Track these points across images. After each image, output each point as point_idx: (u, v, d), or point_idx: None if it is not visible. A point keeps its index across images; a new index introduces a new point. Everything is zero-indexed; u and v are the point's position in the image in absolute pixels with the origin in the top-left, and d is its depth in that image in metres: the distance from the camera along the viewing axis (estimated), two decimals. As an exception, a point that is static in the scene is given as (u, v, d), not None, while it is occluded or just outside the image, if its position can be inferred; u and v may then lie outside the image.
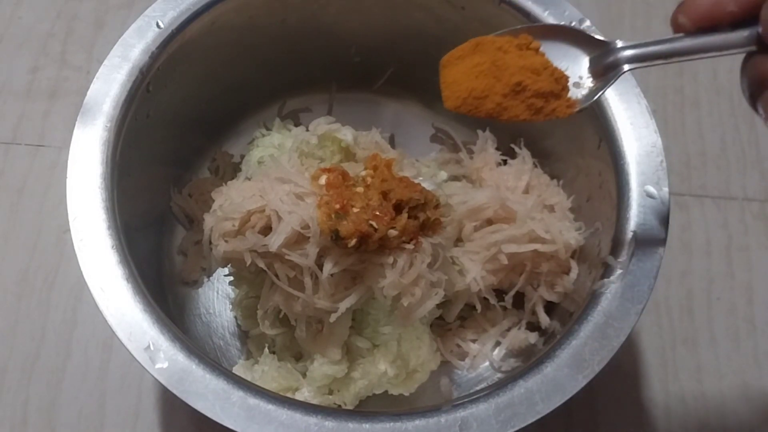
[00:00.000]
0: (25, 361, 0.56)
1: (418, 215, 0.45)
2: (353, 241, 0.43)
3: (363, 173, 0.47)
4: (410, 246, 0.44)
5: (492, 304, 0.52)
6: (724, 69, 0.70)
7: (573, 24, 0.51)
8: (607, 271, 0.45)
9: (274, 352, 0.51)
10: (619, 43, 0.39)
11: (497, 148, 0.58)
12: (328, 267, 0.44)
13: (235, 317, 0.55)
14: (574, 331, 0.43)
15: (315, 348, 0.48)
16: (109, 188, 0.45)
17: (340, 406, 0.49)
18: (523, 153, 0.56)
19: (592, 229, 0.50)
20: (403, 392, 0.50)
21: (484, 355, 0.54)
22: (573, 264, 0.50)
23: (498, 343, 0.54)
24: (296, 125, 0.60)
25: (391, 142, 0.62)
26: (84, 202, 0.44)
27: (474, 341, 0.55)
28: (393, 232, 0.44)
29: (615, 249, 0.45)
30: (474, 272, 0.51)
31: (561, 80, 0.41)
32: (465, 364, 0.54)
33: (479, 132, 0.59)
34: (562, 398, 0.40)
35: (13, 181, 0.63)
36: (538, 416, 0.40)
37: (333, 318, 0.45)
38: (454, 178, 0.58)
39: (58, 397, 0.55)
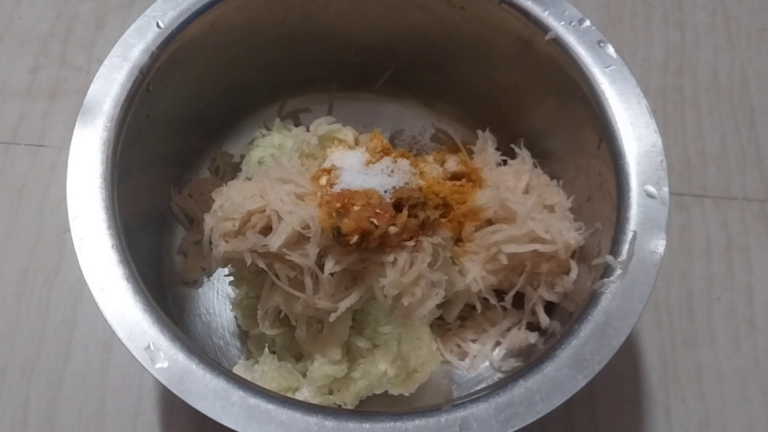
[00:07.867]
0: (25, 361, 0.56)
1: (418, 214, 0.45)
2: (355, 238, 0.43)
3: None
4: (411, 243, 0.44)
5: (492, 304, 0.53)
6: (724, 69, 0.69)
7: (573, 24, 0.51)
8: (607, 271, 0.45)
9: (274, 352, 0.51)
10: None
11: (497, 148, 0.58)
12: (330, 265, 0.44)
13: (235, 317, 0.55)
14: (574, 331, 0.43)
15: (315, 348, 0.48)
16: (109, 188, 0.45)
17: (340, 406, 0.49)
18: (523, 153, 0.56)
19: (592, 229, 0.50)
20: (403, 392, 0.50)
21: (484, 355, 0.54)
22: (573, 264, 0.50)
23: (498, 343, 0.54)
24: (296, 125, 0.60)
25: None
26: (84, 202, 0.44)
27: (474, 341, 0.55)
28: (394, 229, 0.44)
29: (615, 249, 0.45)
30: (474, 272, 0.51)
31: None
32: (465, 364, 0.54)
33: (479, 132, 0.59)
34: (562, 398, 0.40)
35: (13, 181, 0.63)
36: (538, 416, 0.40)
37: (333, 318, 0.45)
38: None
39: (58, 397, 0.55)
